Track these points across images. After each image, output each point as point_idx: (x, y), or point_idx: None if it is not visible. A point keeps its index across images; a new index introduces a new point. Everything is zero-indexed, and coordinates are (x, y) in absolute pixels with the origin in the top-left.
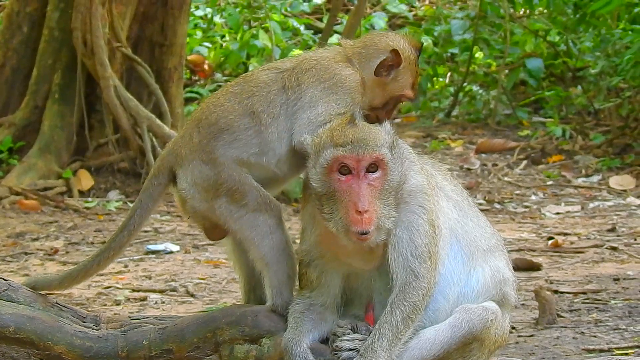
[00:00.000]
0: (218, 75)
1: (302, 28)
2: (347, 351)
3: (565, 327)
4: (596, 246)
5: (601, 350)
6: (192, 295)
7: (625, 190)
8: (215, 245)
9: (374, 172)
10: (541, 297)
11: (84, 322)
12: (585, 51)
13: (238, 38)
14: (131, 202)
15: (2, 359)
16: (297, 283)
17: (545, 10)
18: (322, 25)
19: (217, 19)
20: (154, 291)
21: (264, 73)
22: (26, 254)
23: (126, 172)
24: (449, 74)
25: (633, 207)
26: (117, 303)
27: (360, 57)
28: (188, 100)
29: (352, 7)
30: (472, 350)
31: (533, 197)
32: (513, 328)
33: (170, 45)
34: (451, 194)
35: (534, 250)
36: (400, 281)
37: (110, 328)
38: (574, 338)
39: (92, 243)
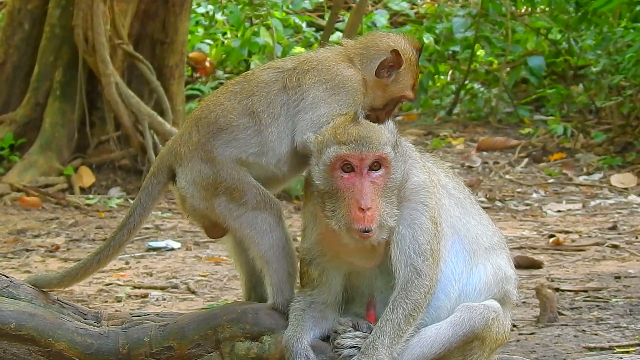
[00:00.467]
0: (219, 73)
1: (303, 25)
2: (348, 348)
3: (567, 325)
4: (597, 244)
5: (602, 348)
6: (193, 293)
7: (626, 189)
8: (216, 242)
9: (376, 170)
10: (542, 295)
11: (85, 319)
12: (587, 49)
13: (239, 35)
14: (132, 199)
15: (3, 355)
16: (298, 281)
17: (546, 8)
18: (323, 22)
19: (219, 16)
20: (155, 288)
21: (265, 72)
22: (27, 250)
23: (127, 169)
24: (450, 72)
25: (634, 205)
26: (118, 300)
27: (361, 58)
28: (189, 98)
29: (353, 5)
30: (473, 349)
31: (534, 195)
32: (514, 326)
33: (172, 42)
34: (453, 191)
35: (535, 248)
36: (403, 279)
37: (112, 325)
38: (575, 336)
39: (93, 240)
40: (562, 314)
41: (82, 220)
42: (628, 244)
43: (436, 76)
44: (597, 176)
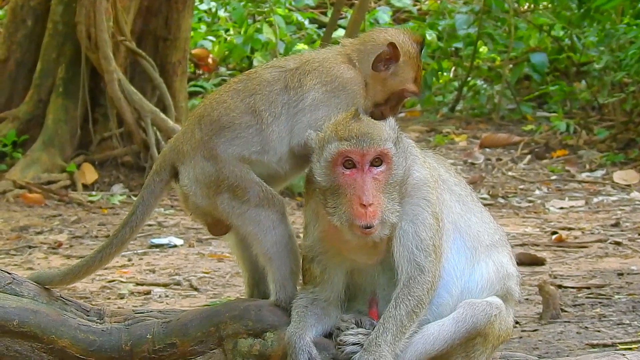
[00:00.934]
0: (222, 69)
1: (306, 22)
2: (350, 345)
3: (569, 321)
4: (600, 241)
5: (605, 345)
6: (196, 289)
7: (629, 185)
8: (219, 239)
9: (378, 166)
10: (545, 291)
11: (88, 315)
12: (590, 46)
13: (242, 32)
14: (135, 195)
15: (5, 352)
16: (301, 278)
17: (549, 5)
18: (326, 19)
19: (221, 13)
20: (157, 285)
21: (267, 71)
22: (30, 247)
23: (130, 166)
24: (453, 69)
25: (637, 202)
26: (121, 297)
27: (359, 54)
28: (192, 94)
29: (356, 1)
30: (476, 345)
31: (537, 192)
32: (517, 323)
33: (174, 39)
34: (454, 187)
35: (537, 245)
36: (405, 275)
37: (114, 322)
38: (577, 333)
39: (96, 237)
40: (565, 311)
41: (84, 217)
42: (631, 240)
43: (439, 73)
44: (599, 173)
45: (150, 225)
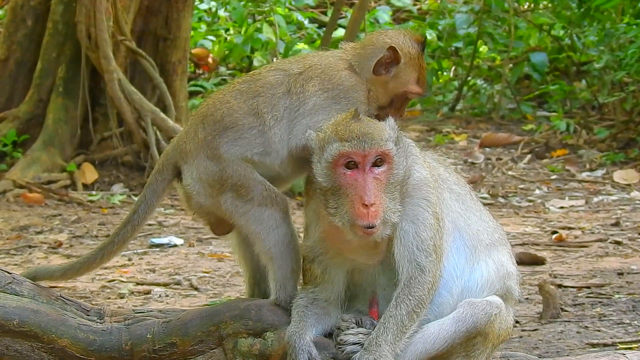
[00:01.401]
0: (222, 69)
1: (306, 22)
2: (351, 345)
3: (569, 321)
4: (600, 240)
5: (605, 345)
6: (196, 289)
7: (629, 185)
8: (219, 238)
9: (379, 166)
10: (545, 291)
11: (88, 315)
12: (590, 45)
13: (242, 31)
14: (135, 195)
15: (6, 352)
16: (301, 278)
17: (549, 5)
18: (326, 19)
19: (222, 13)
20: (158, 285)
21: (271, 74)
22: (30, 247)
23: (130, 166)
24: (453, 68)
25: (637, 202)
26: (121, 296)
27: (360, 58)
28: (192, 94)
29: (356, 1)
30: (476, 345)
31: (537, 192)
32: (517, 322)
33: (174, 38)
34: (454, 187)
35: (538, 245)
36: (406, 275)
37: (114, 321)
38: (577, 332)
39: (96, 236)
40: (565, 311)
41: (84, 217)
42: (631, 240)
43: (439, 72)
44: (599, 172)
45: (150, 224)
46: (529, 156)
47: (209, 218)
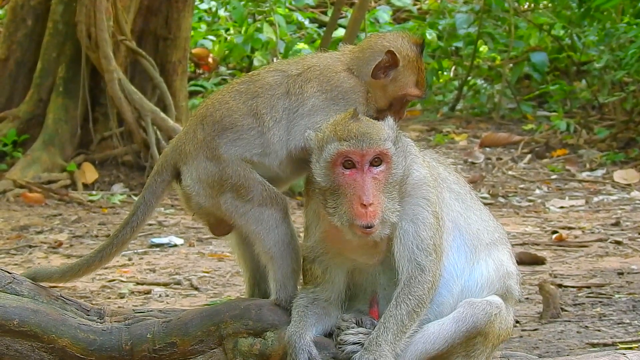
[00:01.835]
0: (222, 69)
1: (306, 22)
2: (351, 345)
3: (569, 321)
4: (600, 240)
5: (605, 345)
6: (196, 289)
7: (629, 185)
8: (219, 238)
9: (377, 165)
10: (545, 291)
11: (88, 315)
12: (590, 45)
13: (242, 31)
14: (135, 195)
15: (6, 352)
16: (301, 277)
17: (549, 4)
18: (326, 19)
19: (222, 12)
20: (158, 284)
21: (270, 74)
22: (30, 247)
23: (130, 166)
24: (453, 68)
25: (637, 201)
26: (121, 296)
27: (358, 62)
28: (192, 94)
29: (356, 1)
30: (476, 345)
31: (537, 191)
32: (517, 322)
33: (175, 38)
34: (454, 186)
35: (538, 244)
36: (406, 275)
37: (114, 321)
38: (577, 332)
39: (96, 236)
40: (565, 310)
41: (85, 217)
42: (631, 240)
43: (439, 72)
44: (600, 172)
45: (150, 224)
46: (529, 156)
47: (209, 218)
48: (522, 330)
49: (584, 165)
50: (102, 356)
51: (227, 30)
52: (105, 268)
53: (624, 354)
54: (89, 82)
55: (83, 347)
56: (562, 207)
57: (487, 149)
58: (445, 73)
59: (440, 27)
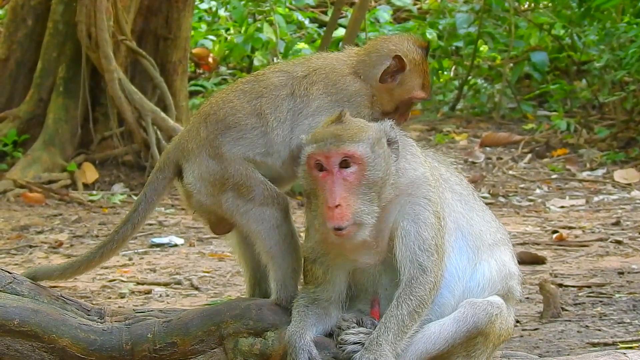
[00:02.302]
0: (222, 69)
1: (306, 21)
2: (351, 344)
3: (570, 320)
4: (601, 240)
5: (605, 344)
6: (197, 289)
7: (629, 184)
8: (220, 238)
9: (347, 167)
10: (546, 290)
11: (89, 315)
12: (590, 45)
13: (242, 31)
14: (135, 195)
15: (6, 352)
16: (302, 277)
17: (550, 4)
18: (326, 18)
19: (222, 12)
20: (158, 284)
21: (275, 75)
22: (30, 247)
23: (131, 165)
24: (453, 68)
25: (637, 201)
26: (122, 296)
27: (364, 65)
28: (192, 94)
29: (356, 1)
30: (477, 345)
31: (537, 191)
32: (517, 322)
33: (175, 38)
34: (455, 187)
35: (538, 244)
36: (407, 275)
37: (115, 321)
38: (578, 332)
39: (97, 236)
40: (566, 310)
41: (85, 217)
42: (631, 239)
43: (439, 72)
44: (600, 172)
45: (150, 224)
46: (529, 155)
47: (209, 217)
48: (523, 329)
49: (585, 165)
50: (103, 356)
51: (227, 30)
52: (106, 268)
53: (625, 354)
54: (89, 82)
55: (83, 347)
56: (562, 207)
57: (488, 148)
58: (445, 73)
59: (440, 27)
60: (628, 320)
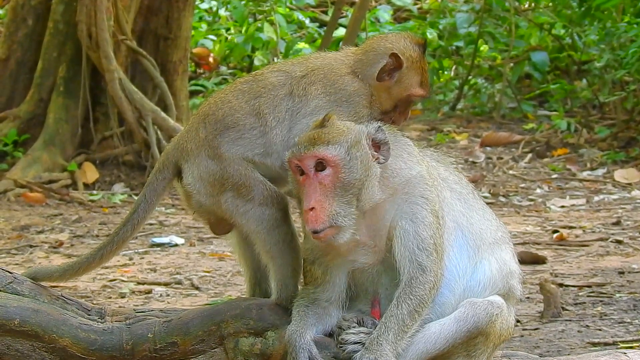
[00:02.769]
0: (223, 68)
1: (307, 21)
2: (352, 344)
3: (570, 320)
4: (601, 239)
5: (606, 344)
6: (197, 288)
7: (630, 184)
8: (220, 238)
9: (322, 170)
10: (546, 290)
11: (89, 314)
12: (590, 44)
13: (243, 31)
14: (136, 195)
15: (7, 351)
16: (302, 278)
17: (550, 4)
18: (327, 18)
19: (222, 12)
20: (158, 284)
21: (274, 75)
22: (31, 246)
23: (131, 165)
24: (454, 67)
25: (638, 201)
26: (122, 296)
27: (362, 64)
28: (193, 93)
29: (357, 0)
30: (477, 344)
31: (538, 191)
32: (518, 321)
33: (175, 38)
34: (455, 185)
35: (538, 244)
36: (407, 275)
37: (115, 321)
38: (578, 331)
39: (97, 236)
40: (566, 310)
41: (85, 216)
42: (632, 239)
43: (440, 72)
44: (600, 171)
45: (151, 224)
46: (529, 155)
47: (209, 217)
48: (523, 329)
49: (585, 165)
50: (103, 356)
51: (227, 29)
52: (106, 268)
53: (625, 353)
54: (89, 81)
55: (84, 346)
56: (562, 207)
57: (488, 148)
58: (445, 72)
59: (440, 27)
60: (628, 320)
